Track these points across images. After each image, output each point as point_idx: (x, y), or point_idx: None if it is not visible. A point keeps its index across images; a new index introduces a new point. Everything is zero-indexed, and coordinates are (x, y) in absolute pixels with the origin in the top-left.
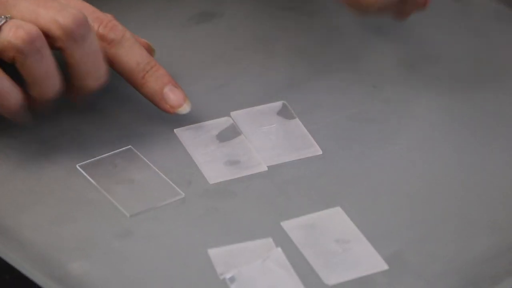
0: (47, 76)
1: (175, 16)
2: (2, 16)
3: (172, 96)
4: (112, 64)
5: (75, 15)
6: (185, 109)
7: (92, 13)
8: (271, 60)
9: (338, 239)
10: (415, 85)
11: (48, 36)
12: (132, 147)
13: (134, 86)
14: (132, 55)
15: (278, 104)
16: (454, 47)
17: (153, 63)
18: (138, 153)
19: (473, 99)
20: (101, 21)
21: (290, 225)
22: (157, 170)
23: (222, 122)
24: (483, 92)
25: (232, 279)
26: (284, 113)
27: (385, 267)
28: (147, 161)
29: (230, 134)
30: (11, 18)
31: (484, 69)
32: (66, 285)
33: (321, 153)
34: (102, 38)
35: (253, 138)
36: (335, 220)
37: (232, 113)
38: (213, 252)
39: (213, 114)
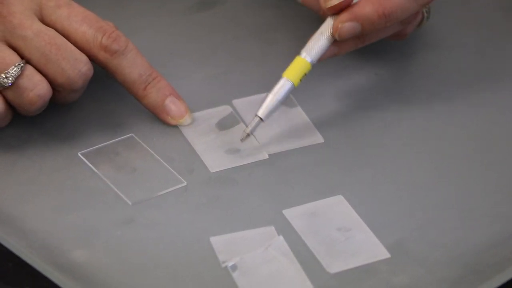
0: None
1: (176, 4)
2: (17, 64)
3: (174, 108)
4: (115, 75)
5: (84, 73)
6: (186, 121)
7: (95, 22)
8: (272, 48)
9: (340, 227)
10: (417, 73)
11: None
12: (133, 135)
13: (136, 97)
14: (134, 66)
15: None
16: (456, 36)
17: (155, 75)
18: (140, 141)
19: (474, 88)
20: (104, 32)
21: (292, 213)
22: (159, 158)
23: (221, 111)
24: (485, 81)
25: (234, 267)
26: (286, 101)
27: (387, 255)
28: (149, 149)
29: (229, 122)
30: (24, 65)
31: (485, 58)
32: (69, 273)
33: (323, 141)
34: (105, 49)
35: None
36: (337, 208)
37: (234, 101)
38: (215, 240)
39: (214, 102)
